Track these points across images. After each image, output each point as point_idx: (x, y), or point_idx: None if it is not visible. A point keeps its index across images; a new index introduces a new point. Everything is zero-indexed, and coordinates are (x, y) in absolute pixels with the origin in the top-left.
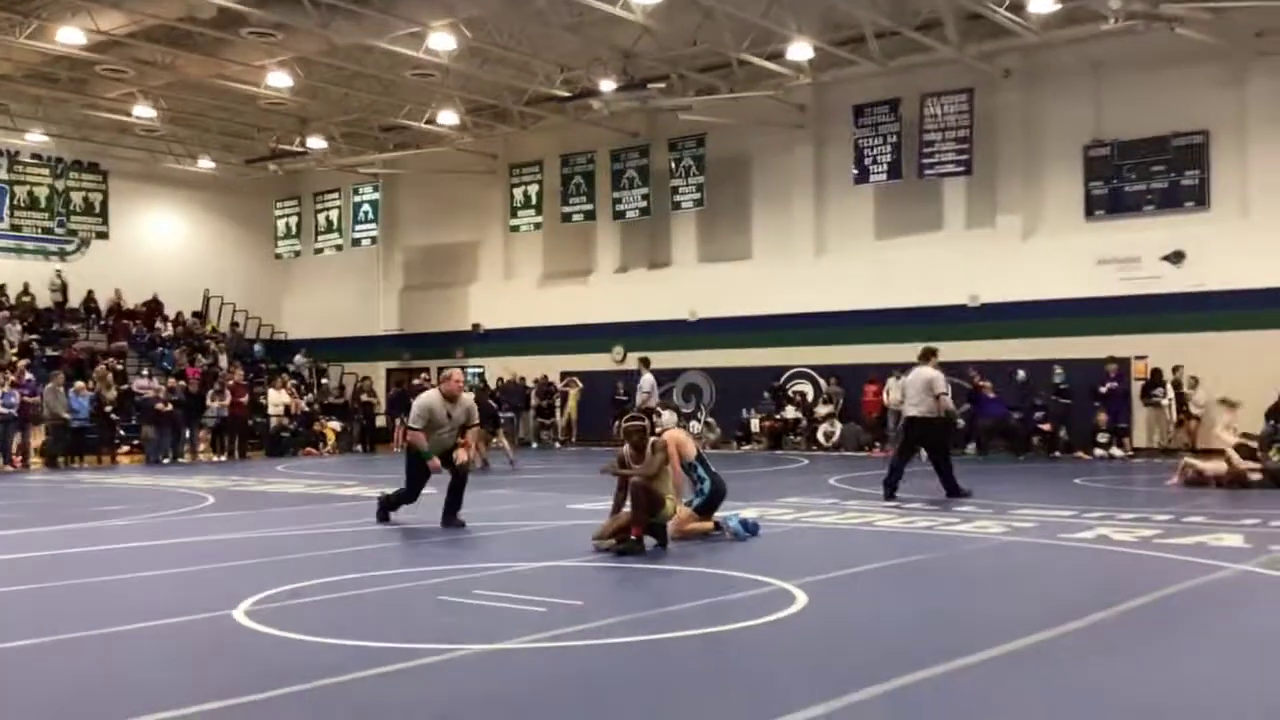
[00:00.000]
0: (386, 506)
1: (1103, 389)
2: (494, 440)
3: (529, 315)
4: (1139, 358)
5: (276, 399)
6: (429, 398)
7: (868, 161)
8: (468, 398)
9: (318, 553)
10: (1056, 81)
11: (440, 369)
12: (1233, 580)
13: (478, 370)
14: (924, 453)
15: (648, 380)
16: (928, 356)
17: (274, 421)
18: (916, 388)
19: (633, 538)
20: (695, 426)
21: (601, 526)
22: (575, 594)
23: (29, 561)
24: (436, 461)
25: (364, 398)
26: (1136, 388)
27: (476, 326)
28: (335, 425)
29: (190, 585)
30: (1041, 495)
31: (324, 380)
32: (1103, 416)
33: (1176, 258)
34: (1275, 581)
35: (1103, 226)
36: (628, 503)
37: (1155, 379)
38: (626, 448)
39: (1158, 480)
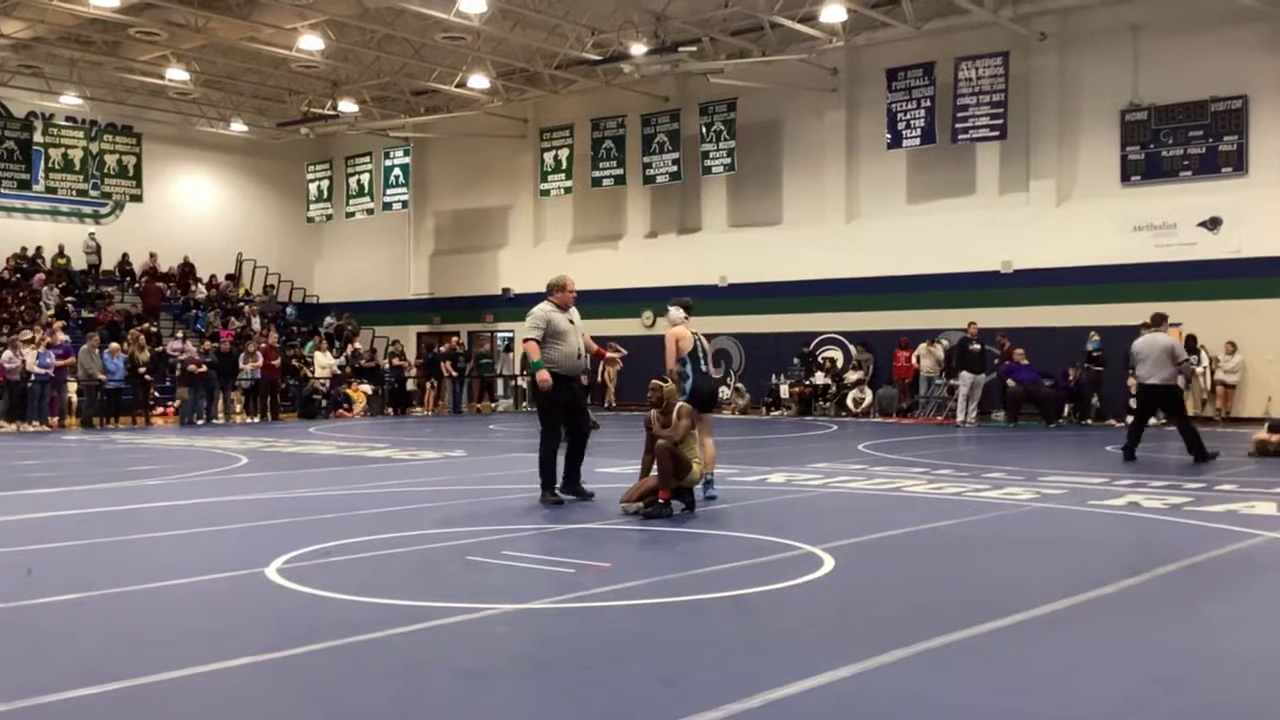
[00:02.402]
0: (550, 479)
1: None
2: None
3: None
4: (1173, 325)
5: (323, 361)
6: (542, 306)
7: (901, 126)
8: (574, 308)
9: (349, 513)
10: (1093, 44)
11: (470, 333)
12: (1264, 548)
13: (507, 335)
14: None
15: None
16: (1160, 321)
17: (318, 384)
18: (1155, 355)
19: (660, 501)
20: (725, 392)
21: (629, 490)
22: (603, 556)
23: (65, 519)
24: (546, 374)
25: (394, 361)
26: None
27: (506, 291)
28: (366, 388)
29: (223, 543)
30: (1072, 462)
31: (355, 344)
32: (1132, 382)
33: (1213, 224)
34: None
35: (1139, 192)
36: (655, 466)
37: (1189, 346)
38: (653, 411)
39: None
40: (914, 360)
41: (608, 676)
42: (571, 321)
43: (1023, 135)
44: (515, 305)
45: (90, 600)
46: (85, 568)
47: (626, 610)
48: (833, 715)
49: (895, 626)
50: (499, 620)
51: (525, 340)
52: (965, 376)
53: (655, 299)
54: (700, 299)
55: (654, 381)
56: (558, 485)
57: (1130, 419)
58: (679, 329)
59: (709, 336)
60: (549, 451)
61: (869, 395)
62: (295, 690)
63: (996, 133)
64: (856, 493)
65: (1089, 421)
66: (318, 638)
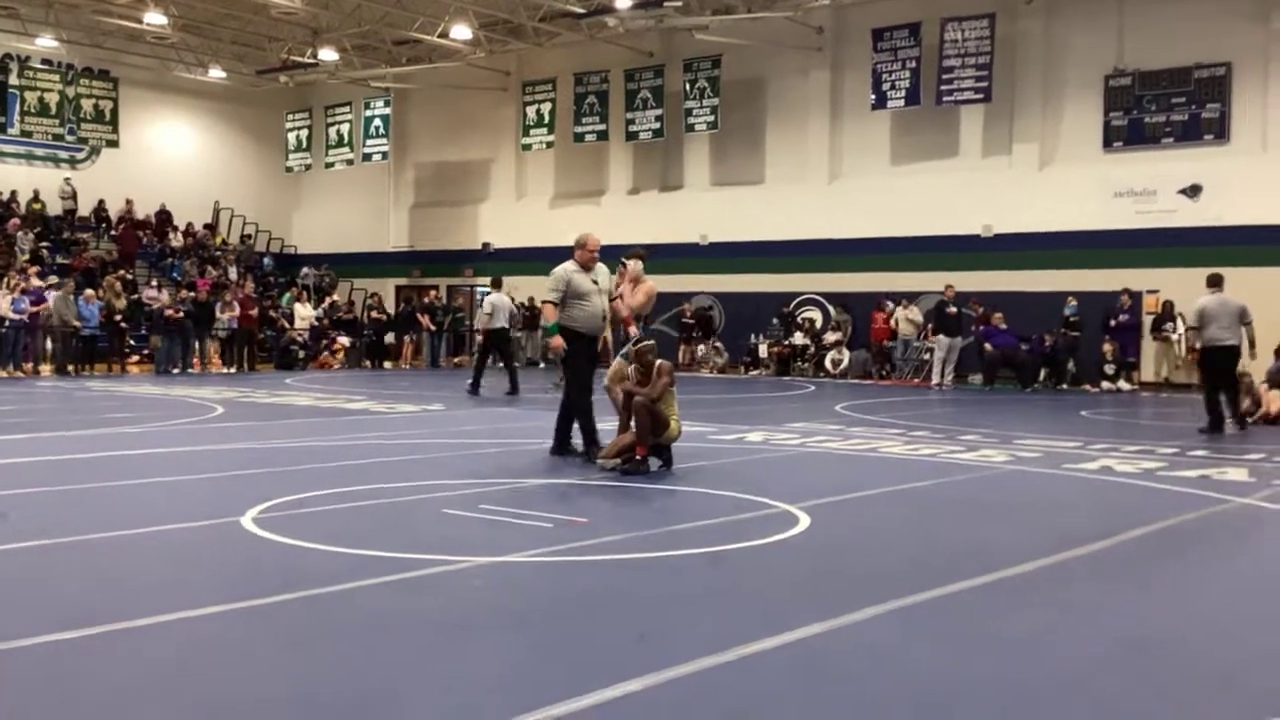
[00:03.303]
0: (565, 435)
1: (1113, 322)
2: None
3: (540, 235)
4: (1151, 291)
5: (302, 312)
6: (564, 267)
7: (885, 87)
8: (603, 266)
9: (325, 464)
10: (1079, 9)
11: (450, 287)
12: (1235, 513)
13: (486, 289)
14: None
15: (489, 301)
16: (1219, 282)
17: (296, 335)
18: (1229, 316)
19: (637, 458)
20: (703, 350)
21: (607, 446)
22: (581, 511)
23: (38, 466)
24: (560, 340)
25: (373, 314)
26: (1148, 322)
27: (486, 245)
28: (344, 340)
29: (199, 492)
30: (1047, 426)
31: (333, 296)
32: (1108, 348)
33: (1193, 191)
34: (1277, 515)
35: (1121, 158)
36: (633, 423)
37: (1166, 313)
38: (632, 369)
39: (1163, 414)
40: (892, 322)
41: (583, 631)
42: (595, 282)
43: (1007, 99)
44: (495, 260)
45: (64, 546)
46: (59, 514)
47: (603, 565)
48: (804, 670)
49: (868, 585)
50: (474, 573)
51: (543, 302)
52: (941, 339)
53: None
54: (681, 257)
55: (641, 345)
56: (555, 445)
57: (1202, 386)
58: (651, 286)
59: (689, 295)
60: (578, 407)
61: (847, 356)
62: (269, 638)
63: (981, 95)
64: (833, 453)
65: (1064, 386)
66: (292, 587)
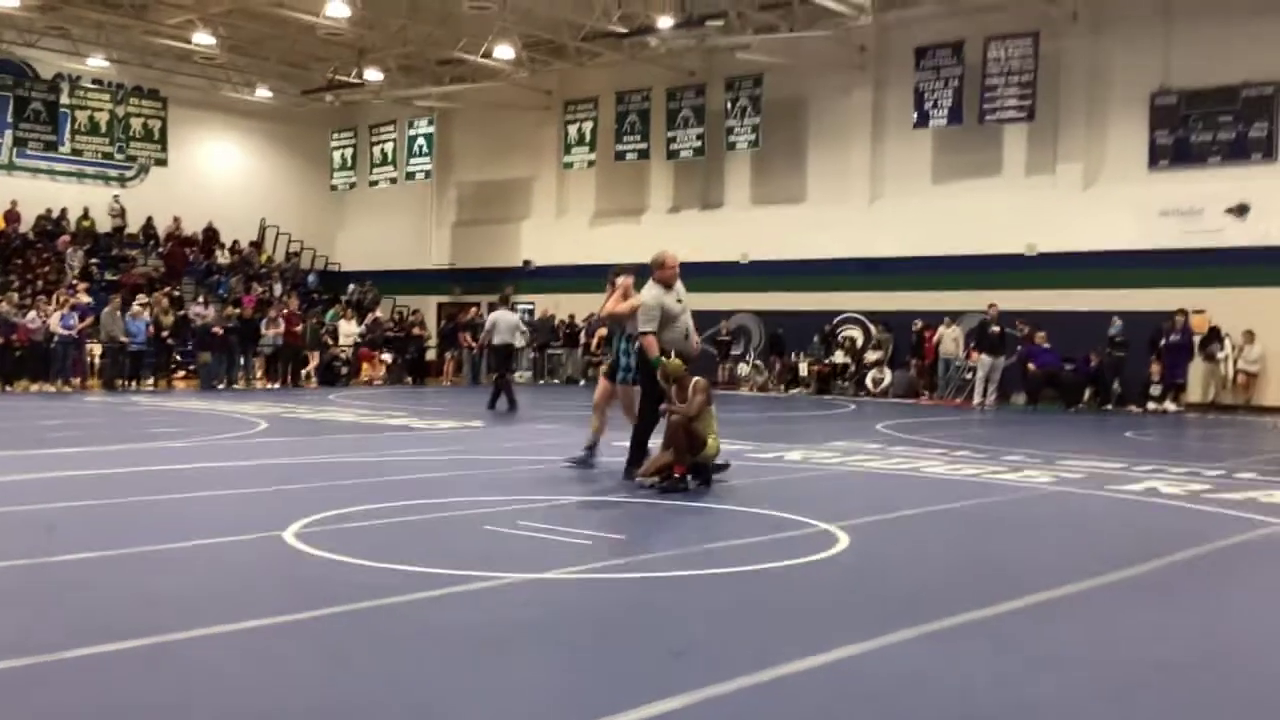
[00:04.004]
0: (636, 457)
1: (1163, 342)
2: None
3: (580, 253)
4: (1198, 312)
5: (347, 329)
6: (653, 293)
7: (928, 105)
8: (679, 283)
9: (367, 480)
10: (1125, 27)
11: (490, 305)
12: None
13: (527, 307)
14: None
15: (490, 317)
16: None
17: (338, 351)
18: None
19: (675, 475)
20: (744, 369)
21: (645, 464)
22: (618, 529)
23: (84, 480)
24: (667, 368)
25: (414, 331)
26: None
27: (527, 263)
28: (386, 357)
29: (242, 506)
30: (1091, 447)
31: (375, 313)
32: (1155, 368)
33: (1241, 211)
34: None
35: (1166, 177)
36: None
37: (1214, 334)
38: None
39: (1211, 436)
40: (937, 342)
41: (622, 648)
42: (679, 300)
43: (1051, 117)
44: (536, 278)
45: (108, 559)
46: (104, 527)
47: (641, 583)
48: (839, 691)
49: (906, 606)
50: (513, 589)
51: (642, 335)
52: (984, 359)
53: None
54: (722, 276)
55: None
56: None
57: None
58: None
59: (729, 313)
60: (640, 428)
61: (888, 375)
62: (312, 651)
63: (1024, 114)
64: (874, 472)
65: (1109, 406)
66: (334, 601)
